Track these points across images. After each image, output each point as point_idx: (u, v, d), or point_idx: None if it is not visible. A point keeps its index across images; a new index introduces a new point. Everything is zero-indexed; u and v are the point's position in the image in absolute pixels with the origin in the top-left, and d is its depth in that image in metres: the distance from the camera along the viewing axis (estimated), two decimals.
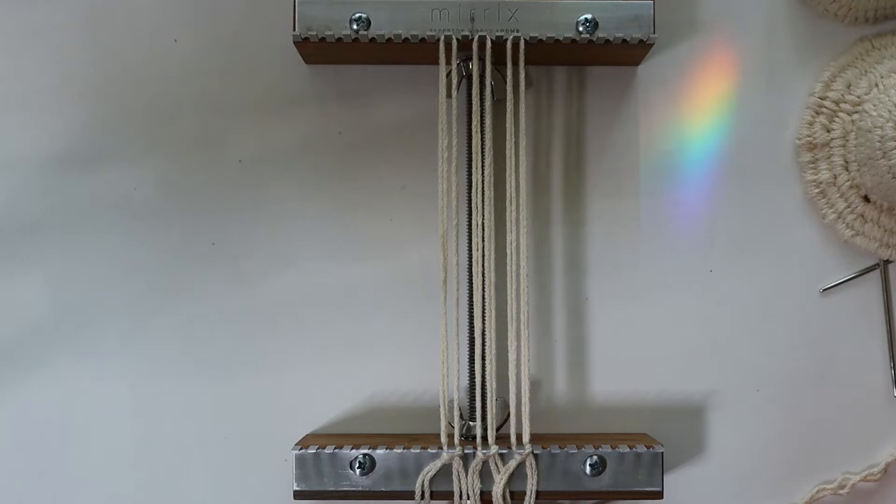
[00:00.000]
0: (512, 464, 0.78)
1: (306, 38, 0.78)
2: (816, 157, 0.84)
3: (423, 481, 0.78)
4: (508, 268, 0.79)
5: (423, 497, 0.78)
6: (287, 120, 0.85)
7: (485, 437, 0.79)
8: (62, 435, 0.84)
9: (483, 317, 0.80)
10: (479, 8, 0.79)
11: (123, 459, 0.84)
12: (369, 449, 0.78)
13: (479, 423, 0.80)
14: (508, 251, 0.79)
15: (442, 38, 0.78)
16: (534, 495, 0.78)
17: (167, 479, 0.85)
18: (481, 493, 0.78)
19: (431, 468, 0.78)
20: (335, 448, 0.79)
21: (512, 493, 0.78)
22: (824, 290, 0.85)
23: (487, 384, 0.79)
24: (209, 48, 0.85)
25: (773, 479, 0.85)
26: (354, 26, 0.78)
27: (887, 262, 0.86)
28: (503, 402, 0.81)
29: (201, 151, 0.85)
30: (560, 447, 0.79)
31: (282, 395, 0.84)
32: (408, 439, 0.81)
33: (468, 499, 0.78)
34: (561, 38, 0.78)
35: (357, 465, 0.78)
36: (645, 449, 0.79)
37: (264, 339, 0.85)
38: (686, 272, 0.85)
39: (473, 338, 0.80)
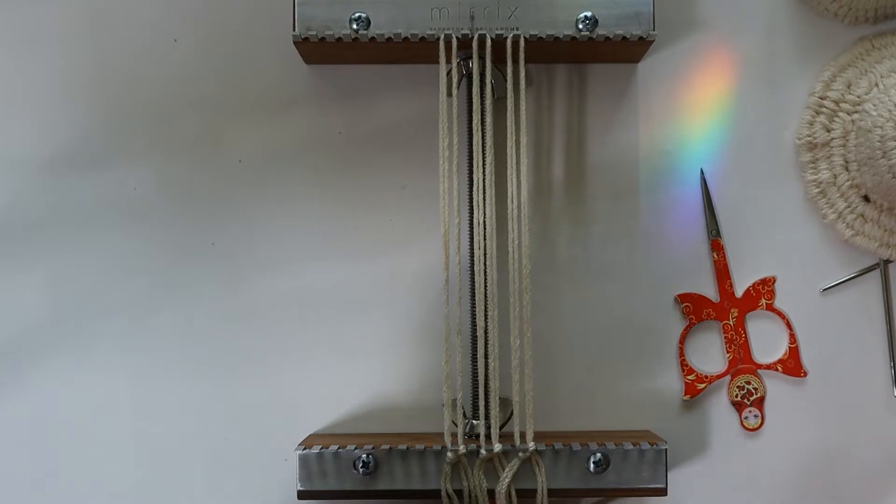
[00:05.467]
0: (516, 462, 0.78)
1: (306, 38, 0.78)
2: (816, 157, 0.84)
3: (445, 488, 0.78)
4: (510, 266, 0.79)
5: (449, 499, 0.78)
6: (287, 120, 0.85)
7: (488, 436, 0.79)
8: (62, 434, 0.84)
9: (485, 315, 0.79)
10: (478, 6, 0.79)
11: (123, 459, 0.84)
12: (373, 448, 0.78)
13: (482, 421, 0.80)
14: (510, 249, 0.79)
15: (442, 36, 0.78)
16: (545, 492, 0.77)
17: (167, 480, 0.84)
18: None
19: (447, 469, 0.77)
20: (338, 448, 0.78)
21: (516, 491, 0.78)
22: (824, 290, 0.85)
23: (490, 382, 0.79)
24: (209, 48, 0.85)
25: (774, 478, 0.85)
26: (354, 26, 0.78)
27: (887, 262, 0.85)
28: (506, 401, 0.80)
29: (201, 151, 0.85)
30: (564, 445, 0.78)
31: (283, 395, 0.84)
32: (411, 438, 0.81)
33: (471, 497, 0.78)
34: (561, 36, 0.78)
35: (360, 464, 0.78)
36: (648, 446, 0.78)
37: (265, 338, 0.84)
38: (686, 271, 0.85)
39: (476, 336, 0.80)
